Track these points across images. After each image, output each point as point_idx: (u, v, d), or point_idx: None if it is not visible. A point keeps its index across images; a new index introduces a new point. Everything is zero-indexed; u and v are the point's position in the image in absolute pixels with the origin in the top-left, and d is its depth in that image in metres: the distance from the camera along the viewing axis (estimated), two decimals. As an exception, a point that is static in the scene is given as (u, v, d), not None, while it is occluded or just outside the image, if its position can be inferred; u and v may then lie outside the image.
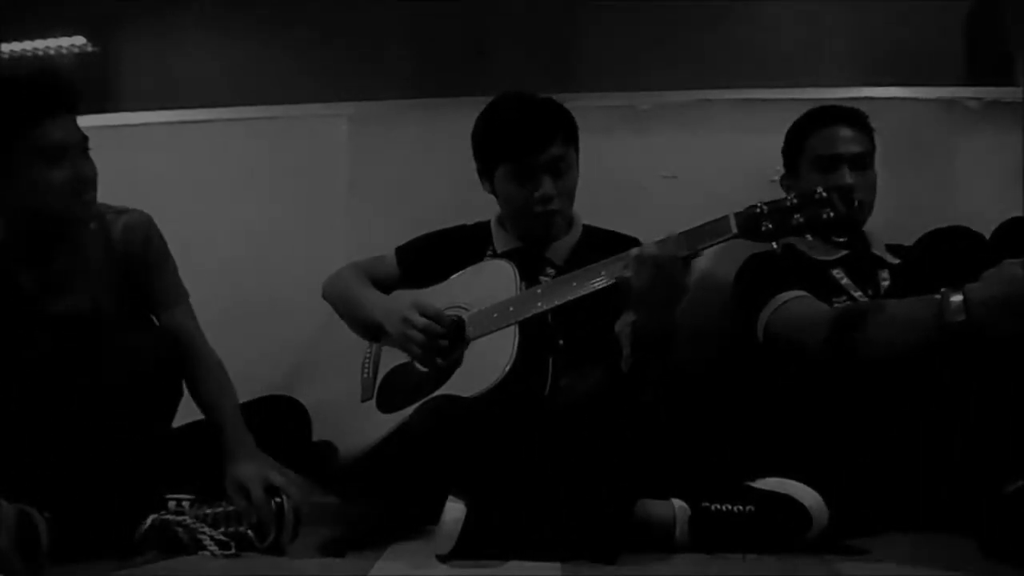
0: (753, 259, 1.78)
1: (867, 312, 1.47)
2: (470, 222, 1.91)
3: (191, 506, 1.38)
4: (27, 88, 1.44)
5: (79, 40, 2.50)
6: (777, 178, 1.96)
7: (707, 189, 2.04)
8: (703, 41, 2.34)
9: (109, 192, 1.57)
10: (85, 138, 1.48)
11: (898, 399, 1.43)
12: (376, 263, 1.86)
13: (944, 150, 2.14)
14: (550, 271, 1.75)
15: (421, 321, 1.56)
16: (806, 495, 1.34)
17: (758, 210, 1.36)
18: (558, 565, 1.28)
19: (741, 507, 1.34)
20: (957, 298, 1.31)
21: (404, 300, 1.64)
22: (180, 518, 1.36)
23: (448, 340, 1.56)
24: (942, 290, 1.33)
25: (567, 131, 1.74)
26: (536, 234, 1.79)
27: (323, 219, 2.19)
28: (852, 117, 1.83)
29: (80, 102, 1.49)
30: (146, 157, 2.19)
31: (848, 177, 1.77)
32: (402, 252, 1.87)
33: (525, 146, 1.69)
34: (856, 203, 1.75)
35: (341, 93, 2.26)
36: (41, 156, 1.42)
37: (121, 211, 1.60)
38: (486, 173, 1.79)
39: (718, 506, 1.35)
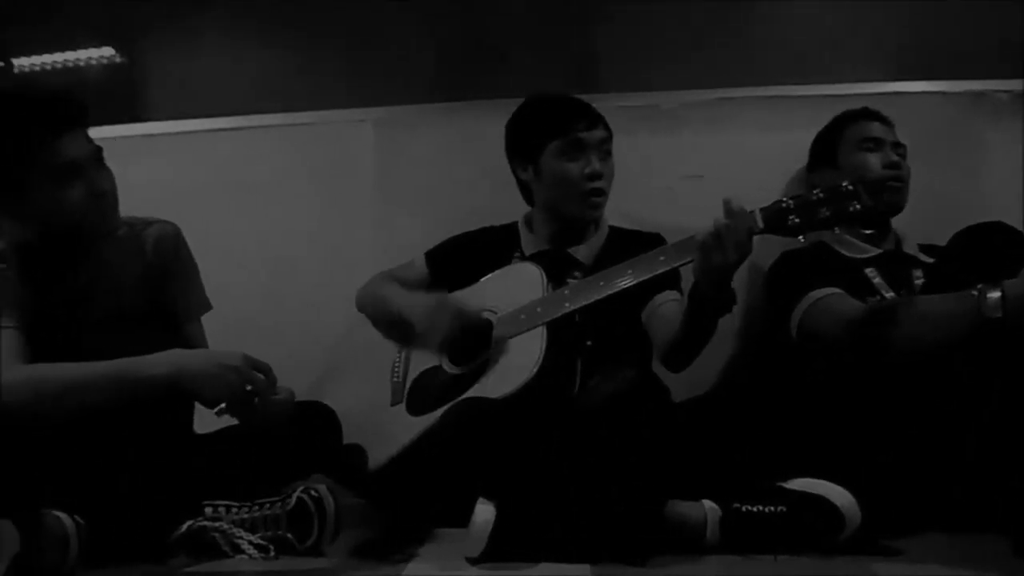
0: (785, 257, 1.78)
1: (902, 308, 1.46)
2: (497, 223, 1.92)
3: (228, 511, 1.40)
4: (35, 108, 1.43)
5: (107, 51, 2.53)
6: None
7: (733, 187, 2.00)
8: (725, 39, 2.32)
9: (140, 201, 1.59)
10: (98, 149, 1.48)
11: (932, 397, 1.42)
12: (406, 269, 1.88)
13: (974, 143, 2.11)
14: (577, 274, 1.76)
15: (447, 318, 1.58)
16: (838, 495, 1.33)
17: (784, 205, 1.37)
18: (588, 567, 1.28)
19: (772, 508, 1.33)
20: (994, 294, 1.30)
21: (431, 297, 1.66)
22: (217, 523, 1.37)
23: (472, 345, 1.57)
24: (979, 286, 1.32)
25: (606, 124, 1.80)
26: (577, 219, 1.80)
27: (350, 223, 2.20)
28: (882, 117, 1.91)
29: (89, 114, 1.48)
30: (175, 166, 2.22)
31: (893, 156, 1.84)
32: (431, 256, 1.88)
33: (579, 121, 1.75)
34: (884, 194, 1.78)
35: (366, 98, 2.28)
36: (55, 175, 1.42)
37: (150, 222, 1.61)
38: (530, 156, 1.80)
39: (749, 507, 1.34)
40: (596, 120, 1.77)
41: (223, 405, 1.32)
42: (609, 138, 1.79)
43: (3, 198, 1.47)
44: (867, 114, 1.91)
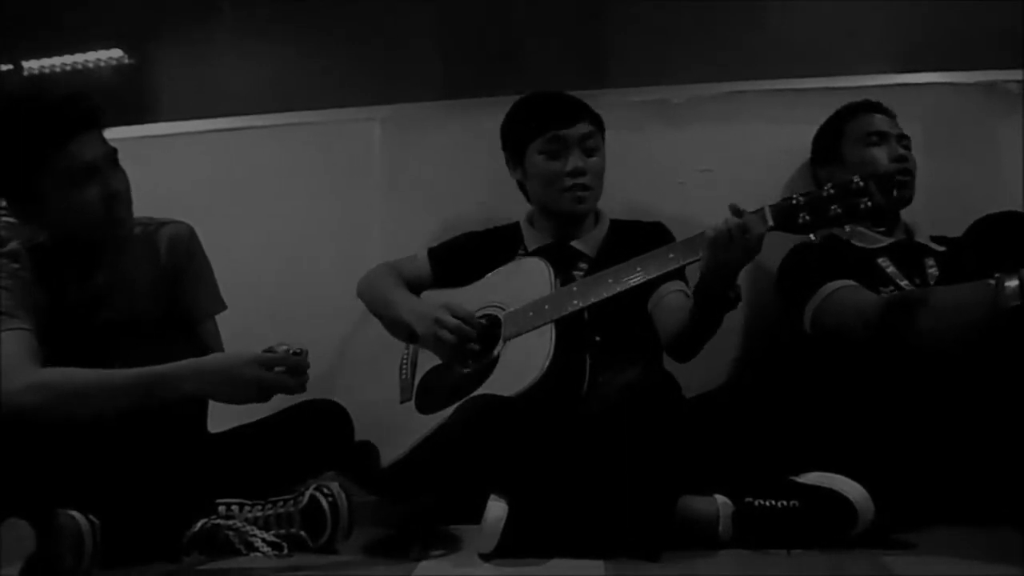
0: (797, 250, 1.77)
1: (919, 299, 1.45)
2: (504, 221, 1.92)
3: (241, 509, 1.40)
4: (49, 110, 1.43)
5: (116, 53, 2.54)
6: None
7: (743, 181, 2.02)
8: (735, 32, 2.31)
9: (151, 202, 1.59)
10: (113, 150, 1.48)
11: (946, 389, 1.41)
12: (408, 263, 1.87)
13: (984, 135, 2.09)
14: (582, 265, 1.77)
15: (452, 322, 1.57)
16: (851, 489, 1.33)
17: (794, 201, 1.36)
18: (601, 563, 1.28)
19: (785, 502, 1.33)
20: (1013, 283, 1.29)
21: (434, 302, 1.66)
22: (230, 522, 1.37)
23: (479, 342, 1.57)
24: (996, 275, 1.31)
25: (594, 117, 1.80)
26: (566, 215, 1.79)
27: (358, 222, 2.21)
28: (884, 109, 1.90)
29: (104, 115, 1.48)
30: (186, 166, 2.22)
31: (899, 149, 1.82)
32: (434, 253, 1.88)
33: (557, 119, 1.75)
34: (895, 190, 1.77)
35: (373, 97, 2.28)
36: (71, 178, 1.42)
37: (164, 222, 1.62)
38: (517, 157, 1.81)
39: (762, 502, 1.34)
40: (577, 115, 1.76)
41: None
42: (595, 132, 1.77)
43: (18, 200, 1.48)
44: (869, 107, 1.89)
